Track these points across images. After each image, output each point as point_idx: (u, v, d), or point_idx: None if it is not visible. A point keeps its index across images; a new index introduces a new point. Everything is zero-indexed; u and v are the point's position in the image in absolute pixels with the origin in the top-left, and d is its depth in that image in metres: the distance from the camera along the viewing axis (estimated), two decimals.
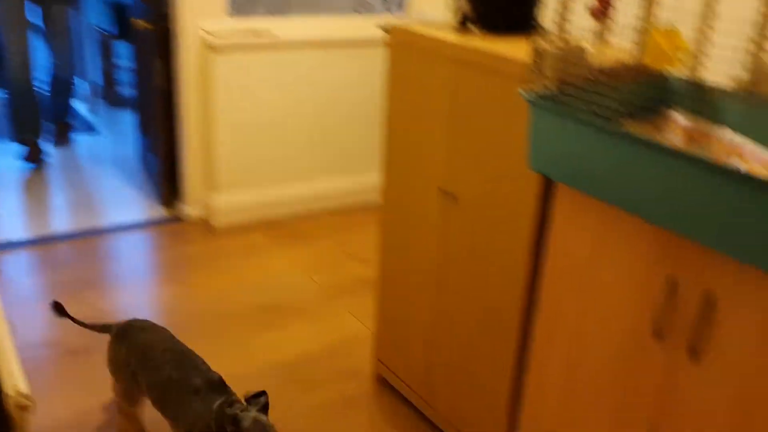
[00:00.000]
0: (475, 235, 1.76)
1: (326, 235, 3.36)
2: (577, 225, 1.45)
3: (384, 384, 2.29)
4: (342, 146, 3.57)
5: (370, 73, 3.50)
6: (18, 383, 1.09)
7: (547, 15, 1.56)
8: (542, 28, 1.71)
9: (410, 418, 2.14)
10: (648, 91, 1.43)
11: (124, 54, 5.01)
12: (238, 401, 1.67)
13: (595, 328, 1.45)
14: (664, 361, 1.32)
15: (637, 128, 1.40)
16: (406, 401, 2.21)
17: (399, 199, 2.01)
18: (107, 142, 4.37)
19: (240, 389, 2.23)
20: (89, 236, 3.20)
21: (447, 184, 1.81)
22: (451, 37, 1.75)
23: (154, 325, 1.94)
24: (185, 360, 1.78)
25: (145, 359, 1.81)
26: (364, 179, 3.66)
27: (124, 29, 4.81)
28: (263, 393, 1.65)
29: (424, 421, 2.13)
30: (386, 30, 1.94)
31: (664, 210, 1.19)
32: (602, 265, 1.41)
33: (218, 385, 1.71)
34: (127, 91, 5.07)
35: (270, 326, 2.59)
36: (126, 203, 3.56)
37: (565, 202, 1.47)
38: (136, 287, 2.80)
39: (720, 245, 1.13)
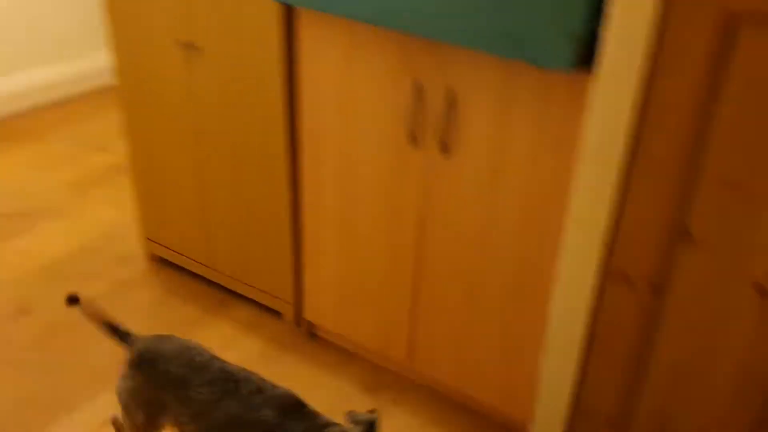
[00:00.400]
0: (225, 85, 1.75)
1: (57, 129, 3.07)
2: (324, 49, 1.52)
3: (160, 261, 2.27)
4: (55, 27, 3.20)
5: None
6: None
7: None
8: None
9: (193, 285, 2.17)
10: None
11: None
12: (328, 422, 1.24)
13: (357, 147, 1.58)
14: (421, 162, 1.49)
15: None
16: (186, 271, 2.22)
17: (136, 66, 1.91)
18: None
19: (4, 298, 2.07)
20: None
21: (187, 35, 1.75)
22: None
23: (185, 342, 1.38)
24: (240, 383, 1.28)
25: (185, 394, 1.29)
26: (86, 63, 3.36)
27: None
28: (373, 411, 1.23)
29: (209, 285, 2.17)
30: None
31: (400, 10, 1.30)
32: (354, 84, 1.52)
33: (294, 406, 1.26)
34: None
35: (18, 233, 2.38)
36: None
37: (309, 28, 1.52)
38: None
39: (452, 36, 1.27)
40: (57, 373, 1.83)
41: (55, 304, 2.07)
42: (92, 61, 3.37)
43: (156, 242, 2.20)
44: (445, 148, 1.44)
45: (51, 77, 3.25)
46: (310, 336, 1.98)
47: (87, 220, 2.47)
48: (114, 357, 1.88)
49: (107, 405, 1.74)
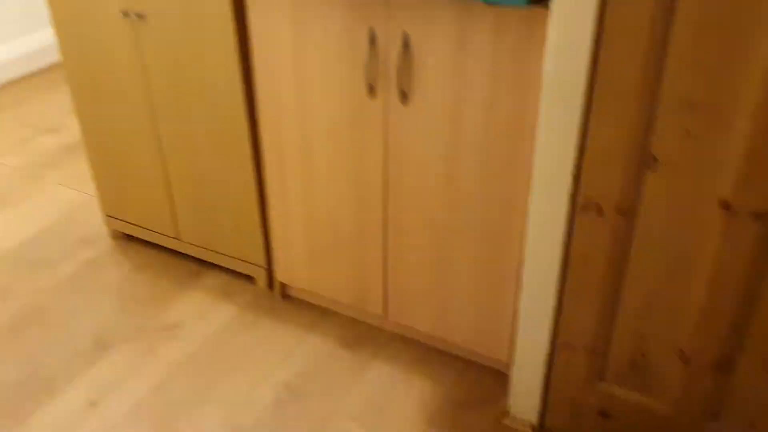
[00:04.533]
0: (176, 51, 1.70)
1: (2, 113, 2.97)
2: (273, 4, 1.49)
3: (124, 238, 2.23)
4: None
5: None
6: None
7: None
8: None
9: (161, 258, 2.14)
10: None
11: None
12: None
13: (315, 103, 1.56)
14: (381, 111, 1.48)
15: None
16: (152, 245, 2.19)
17: (79, 41, 1.84)
18: None
19: None
20: None
21: (130, 4, 1.70)
22: None
23: None
24: None
25: None
26: (23, 44, 3.23)
27: None
28: None
29: (178, 256, 2.14)
30: None
31: None
32: (306, 38, 1.49)
33: None
34: None
35: None
36: None
37: None
38: None
39: None
40: (35, 357, 1.80)
41: (24, 290, 2.02)
42: (34, 41, 3.25)
43: (119, 219, 2.16)
44: (403, 95, 1.43)
45: None
46: (284, 297, 1.98)
47: (45, 204, 2.41)
48: (90, 336, 1.86)
49: (89, 384, 1.72)
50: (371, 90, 1.47)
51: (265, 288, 2.00)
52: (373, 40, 1.40)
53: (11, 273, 2.10)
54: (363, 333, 1.87)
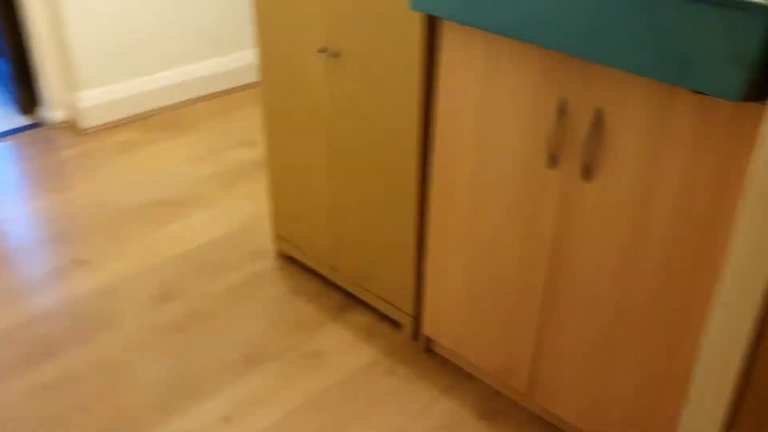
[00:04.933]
0: (362, 90, 1.73)
1: (205, 122, 3.23)
2: (465, 61, 1.46)
3: (288, 259, 2.30)
4: (213, 25, 3.36)
5: None
6: None
7: None
8: None
9: (316, 286, 2.18)
10: None
11: None
12: None
13: (491, 165, 1.50)
14: (560, 185, 1.39)
15: None
16: (311, 271, 2.24)
17: (278, 68, 1.94)
18: None
19: (149, 282, 2.19)
20: None
21: (328, 41, 1.75)
22: None
23: None
24: None
25: None
26: (238, 59, 3.50)
27: None
28: None
29: (331, 287, 2.17)
30: None
31: (549, 29, 1.21)
32: (493, 99, 1.44)
33: None
34: None
35: (166, 220, 2.51)
36: None
37: (450, 39, 1.46)
38: (6, 201, 2.61)
39: (605, 57, 1.16)
40: (189, 361, 1.90)
41: (192, 293, 2.15)
42: (243, 59, 3.51)
43: (285, 239, 2.23)
44: (587, 171, 1.33)
45: (205, 72, 3.42)
46: (427, 351, 1.93)
47: (229, 212, 2.57)
48: (241, 349, 1.93)
49: (229, 399, 1.78)
50: (553, 160, 1.38)
51: (410, 337, 1.96)
52: (562, 111, 1.32)
53: (184, 274, 2.24)
54: (502, 407, 1.76)
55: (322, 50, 1.77)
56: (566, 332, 1.51)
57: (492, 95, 1.43)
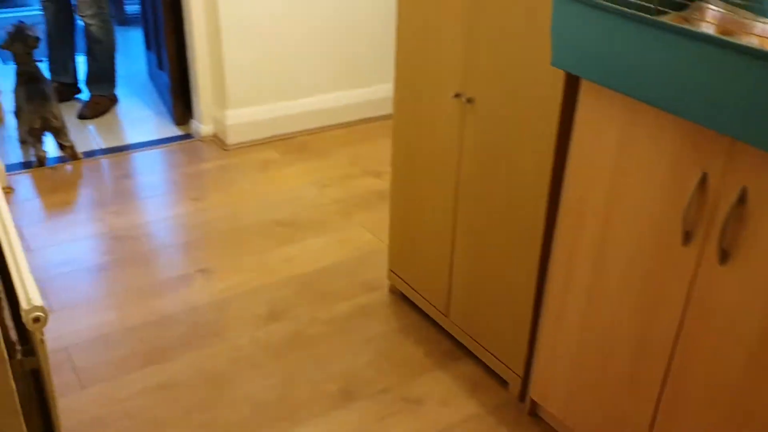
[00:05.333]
0: (494, 138, 1.70)
1: (338, 149, 3.31)
2: (602, 123, 1.39)
3: (399, 296, 2.29)
4: (355, 58, 3.46)
5: None
6: (31, 296, 1.08)
7: None
8: None
9: (425, 328, 2.15)
10: None
11: None
12: None
13: (620, 231, 1.41)
14: (693, 264, 1.28)
15: (670, 19, 1.31)
16: (421, 312, 2.21)
17: (412, 106, 1.95)
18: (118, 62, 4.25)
19: (261, 299, 2.26)
20: (102, 155, 3.17)
21: (464, 87, 1.74)
22: None
23: None
24: None
25: None
26: (377, 91, 3.57)
27: None
28: None
29: (440, 332, 2.13)
30: None
31: (698, 103, 1.12)
32: (628, 165, 1.36)
33: None
34: (132, 8, 4.93)
35: (286, 241, 2.58)
36: (139, 122, 3.51)
37: (589, 99, 1.40)
38: (151, 205, 2.79)
39: (758, 139, 1.06)
40: (289, 384, 1.93)
41: (302, 317, 2.19)
42: (382, 91, 3.57)
43: (399, 276, 2.22)
44: (724, 253, 1.22)
45: (345, 101, 3.51)
46: (532, 415, 1.84)
47: (347, 240, 2.60)
48: (339, 381, 1.93)
49: (321, 431, 1.78)
50: (686, 237, 1.28)
51: (516, 397, 1.88)
52: (702, 185, 1.22)
53: (295, 296, 2.28)
54: None
55: (457, 95, 1.76)
56: (685, 417, 1.38)
57: (627, 161, 1.35)
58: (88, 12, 3.39)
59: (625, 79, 1.22)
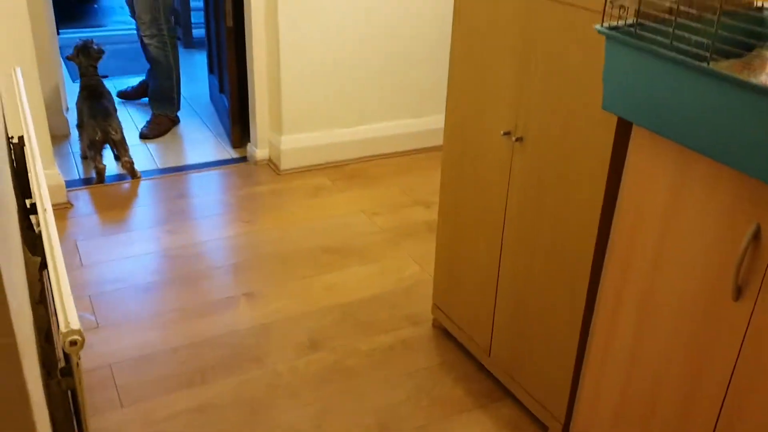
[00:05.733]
0: (543, 178, 1.66)
1: (390, 177, 3.31)
2: (653, 169, 1.34)
3: (442, 332, 2.25)
4: (410, 88, 3.47)
5: (441, 12, 3.36)
6: (70, 319, 1.10)
7: None
8: None
9: (467, 366, 2.11)
10: (740, 25, 1.29)
11: None
12: None
13: (667, 283, 1.36)
14: (744, 322, 1.22)
15: (725, 67, 1.26)
16: (463, 349, 2.17)
17: (462, 141, 1.93)
18: (181, 83, 4.36)
19: (303, 327, 2.26)
20: (160, 174, 3.25)
21: (514, 126, 1.71)
22: None
23: None
24: None
25: None
26: (431, 122, 3.57)
27: None
28: None
29: (482, 371, 2.09)
30: None
31: (754, 156, 1.07)
32: (679, 215, 1.31)
33: None
34: (199, 32, 5.09)
35: (332, 267, 2.58)
36: (198, 143, 3.60)
37: (641, 145, 1.36)
38: (204, 225, 2.84)
39: None
40: (325, 415, 1.92)
41: (341, 347, 2.18)
42: (436, 122, 3.56)
43: (443, 311, 2.19)
44: None
45: (398, 131, 3.52)
46: None
47: (393, 270, 2.59)
48: (376, 415, 1.91)
49: None
50: (738, 292, 1.22)
51: None
52: (756, 239, 1.16)
53: (339, 326, 2.28)
54: None
55: (507, 133, 1.73)
56: None
57: (677, 210, 1.30)
58: (148, 32, 3.52)
59: (677, 127, 1.18)
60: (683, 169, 1.27)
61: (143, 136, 3.61)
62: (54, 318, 1.31)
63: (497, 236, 1.87)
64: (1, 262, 0.69)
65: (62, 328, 1.10)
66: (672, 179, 1.30)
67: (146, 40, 3.54)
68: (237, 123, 3.49)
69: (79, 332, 1.09)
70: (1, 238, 0.70)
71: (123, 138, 3.15)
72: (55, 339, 1.42)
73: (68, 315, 1.12)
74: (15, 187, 1.42)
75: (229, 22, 3.27)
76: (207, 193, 3.12)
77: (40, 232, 1.34)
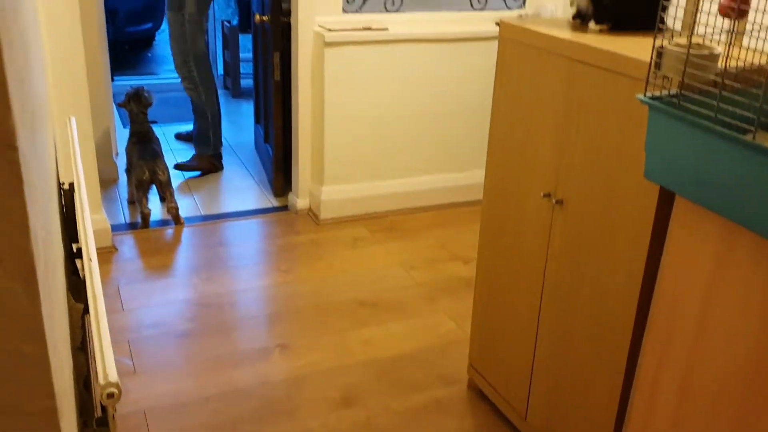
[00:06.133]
0: (582, 243, 1.65)
1: (428, 231, 3.31)
2: (696, 240, 1.32)
3: (477, 393, 2.21)
4: (450, 143, 3.50)
5: (483, 70, 3.40)
6: (108, 372, 1.11)
7: (672, 12, 1.42)
8: (665, 25, 1.57)
9: (501, 430, 2.06)
10: None
11: (245, 46, 5.17)
12: None
13: (711, 363, 1.32)
14: None
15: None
16: (498, 412, 2.12)
17: (502, 200, 1.93)
18: (228, 131, 4.49)
19: (336, 382, 2.25)
20: (202, 221, 3.32)
21: (554, 188, 1.71)
22: (566, 33, 1.64)
23: None
24: None
25: None
26: (471, 177, 3.58)
27: (247, 22, 4.96)
28: None
29: None
30: (498, 25, 1.85)
31: None
32: (723, 288, 1.28)
33: None
34: (247, 81, 5.24)
35: (367, 322, 2.58)
36: (240, 190, 3.67)
37: (683, 215, 1.34)
38: (242, 273, 2.87)
39: None
40: None
41: (375, 404, 2.16)
42: (475, 177, 3.57)
43: (479, 372, 2.16)
44: None
45: (437, 185, 3.54)
46: None
47: (429, 327, 2.56)
48: None
49: None
50: None
51: None
52: None
53: (372, 382, 2.26)
54: None
55: (547, 195, 1.73)
56: None
57: (721, 285, 1.27)
58: (180, 74, 3.68)
59: (721, 199, 1.17)
60: (728, 240, 1.25)
61: (177, 167, 3.73)
62: (93, 363, 1.33)
63: (536, 298, 1.84)
64: (46, 325, 0.71)
65: (101, 380, 1.11)
66: (716, 251, 1.28)
67: (182, 82, 3.71)
68: (280, 172, 3.56)
69: (116, 385, 1.11)
70: (45, 301, 0.72)
71: (169, 180, 3.24)
72: (92, 385, 1.44)
73: (107, 366, 1.14)
74: (62, 231, 1.47)
75: (277, 76, 3.36)
76: (247, 241, 3.16)
77: (84, 277, 1.37)
